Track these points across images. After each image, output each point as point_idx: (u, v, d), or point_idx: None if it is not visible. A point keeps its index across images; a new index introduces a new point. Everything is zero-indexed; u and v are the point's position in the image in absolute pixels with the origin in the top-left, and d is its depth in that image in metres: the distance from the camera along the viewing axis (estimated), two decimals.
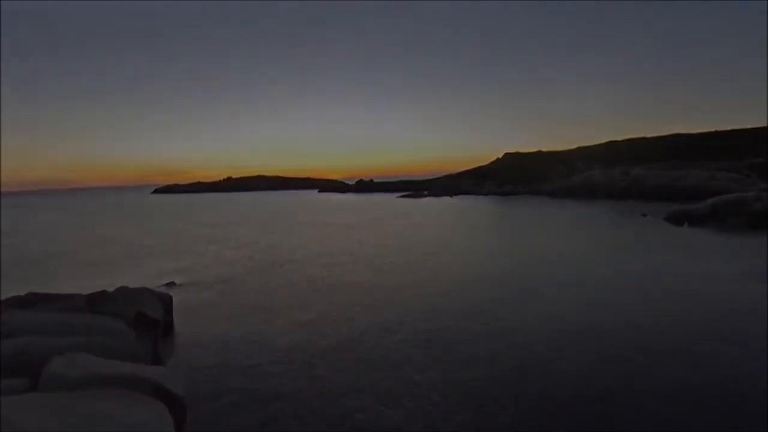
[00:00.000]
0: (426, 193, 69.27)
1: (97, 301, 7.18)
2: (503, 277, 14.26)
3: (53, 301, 7.45)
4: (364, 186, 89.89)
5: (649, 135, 77.32)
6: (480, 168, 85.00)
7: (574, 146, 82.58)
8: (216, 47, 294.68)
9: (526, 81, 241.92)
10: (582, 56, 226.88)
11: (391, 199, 62.92)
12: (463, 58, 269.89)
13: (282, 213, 45.91)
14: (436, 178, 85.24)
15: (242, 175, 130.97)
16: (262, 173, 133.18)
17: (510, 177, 69.94)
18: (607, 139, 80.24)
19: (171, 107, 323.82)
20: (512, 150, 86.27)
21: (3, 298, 8.36)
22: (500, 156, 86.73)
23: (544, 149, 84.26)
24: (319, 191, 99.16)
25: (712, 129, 73.07)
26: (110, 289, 12.47)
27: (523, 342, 8.78)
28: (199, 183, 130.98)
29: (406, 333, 9.40)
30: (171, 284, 14.46)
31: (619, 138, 79.54)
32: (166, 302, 10.52)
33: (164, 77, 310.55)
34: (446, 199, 60.35)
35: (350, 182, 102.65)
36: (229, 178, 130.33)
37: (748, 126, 67.82)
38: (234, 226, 33.88)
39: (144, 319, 7.02)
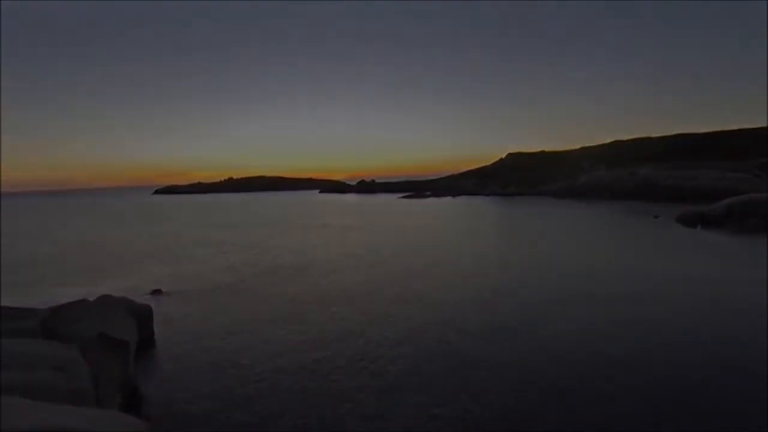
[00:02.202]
0: (428, 193, 68.33)
1: (53, 321, 6.24)
2: (522, 289, 13.06)
3: (6, 318, 6.50)
4: (366, 186, 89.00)
5: (654, 135, 76.24)
6: (483, 168, 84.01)
7: (577, 146, 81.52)
8: (217, 47, 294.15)
9: (530, 80, 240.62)
10: (585, 55, 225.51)
11: (392, 199, 61.95)
12: (465, 57, 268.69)
13: (281, 214, 44.98)
14: (439, 179, 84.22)
15: (243, 176, 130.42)
16: (263, 173, 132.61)
17: (513, 177, 68.89)
18: (612, 139, 79.10)
19: (172, 108, 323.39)
20: (515, 150, 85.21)
21: None
22: (503, 156, 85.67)
23: (547, 149, 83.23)
24: (320, 191, 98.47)
25: (718, 129, 71.97)
26: (92, 298, 11.74)
27: (550, 370, 7.78)
28: (200, 183, 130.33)
29: (415, 355, 8.29)
30: (158, 292, 13.51)
31: (624, 138, 78.34)
32: (145, 315, 9.59)
33: (166, 78, 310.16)
34: (449, 199, 59.38)
35: (352, 182, 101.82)
36: (231, 179, 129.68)
37: (755, 125, 66.60)
38: (231, 227, 32.97)
39: (108, 341, 6.08)
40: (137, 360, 8.42)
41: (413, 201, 58.64)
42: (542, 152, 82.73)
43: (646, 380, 7.03)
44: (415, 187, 76.15)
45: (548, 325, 9.73)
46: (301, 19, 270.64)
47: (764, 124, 64.76)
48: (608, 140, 79.06)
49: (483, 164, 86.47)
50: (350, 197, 75.16)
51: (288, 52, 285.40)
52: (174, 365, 8.33)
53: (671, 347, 8.30)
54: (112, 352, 6.21)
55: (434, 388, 6.97)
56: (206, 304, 12.30)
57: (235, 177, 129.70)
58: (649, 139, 75.05)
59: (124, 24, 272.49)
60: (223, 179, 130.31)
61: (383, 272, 15.56)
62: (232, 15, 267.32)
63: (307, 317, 10.75)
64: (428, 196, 65.44)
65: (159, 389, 7.44)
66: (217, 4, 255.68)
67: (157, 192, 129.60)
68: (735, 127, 70.07)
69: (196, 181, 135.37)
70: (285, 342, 9.13)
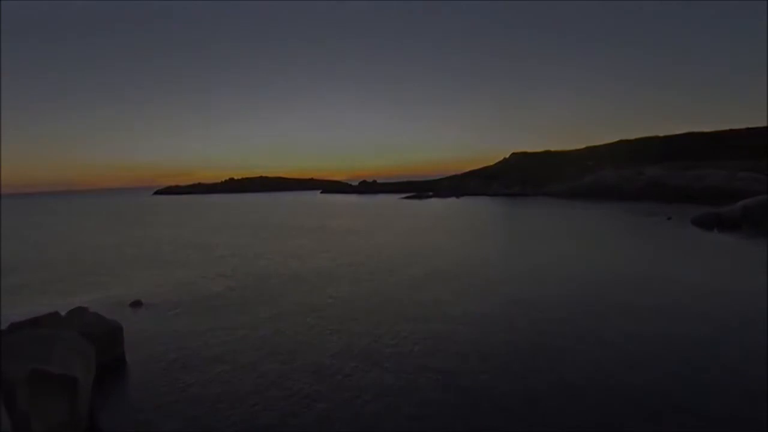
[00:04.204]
0: (430, 194, 67.21)
1: None
2: (541, 301, 11.84)
3: None
4: (368, 187, 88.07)
5: (660, 134, 74.91)
6: (486, 168, 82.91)
7: (582, 146, 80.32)
8: (218, 48, 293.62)
9: (534, 79, 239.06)
10: (590, 54, 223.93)
11: (394, 200, 60.84)
12: (468, 56, 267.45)
13: (281, 215, 43.89)
14: (441, 179, 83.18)
15: (244, 176, 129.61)
16: (264, 174, 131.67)
17: (518, 178, 67.71)
18: (617, 139, 77.84)
19: (173, 108, 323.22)
20: (519, 150, 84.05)
21: None
22: (507, 156, 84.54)
23: (552, 149, 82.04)
24: (321, 192, 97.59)
25: (726, 128, 70.57)
26: (63, 312, 10.69)
27: (570, 402, 6.67)
28: (200, 184, 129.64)
29: (422, 390, 7.05)
30: (137, 304, 12.42)
31: (630, 137, 77.00)
32: (113, 334, 8.51)
33: (167, 78, 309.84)
34: (452, 200, 58.23)
35: (353, 183, 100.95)
36: (231, 179, 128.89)
37: (764, 124, 65.11)
38: (228, 230, 31.91)
39: (47, 379, 5.01)
40: (101, 386, 7.37)
41: (415, 202, 57.52)
42: (547, 152, 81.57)
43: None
44: (418, 188, 75.15)
45: (572, 346, 8.60)
46: (303, 20, 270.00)
47: None
48: (614, 140, 77.90)
49: (486, 164, 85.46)
50: (352, 198, 74.05)
51: (289, 52, 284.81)
52: (142, 395, 7.24)
53: (719, 374, 7.17)
54: (52, 390, 5.14)
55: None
56: (188, 319, 11.16)
57: (235, 177, 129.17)
58: (656, 138, 73.75)
59: (124, 24, 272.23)
60: (223, 180, 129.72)
61: (386, 282, 14.44)
62: (233, 15, 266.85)
63: (301, 338, 9.60)
64: (430, 197, 64.35)
65: (122, 424, 6.39)
66: (217, 4, 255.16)
67: (157, 193, 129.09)
68: (743, 126, 68.50)
69: (197, 181, 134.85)
70: (274, 369, 7.98)
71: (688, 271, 14.38)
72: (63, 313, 10.31)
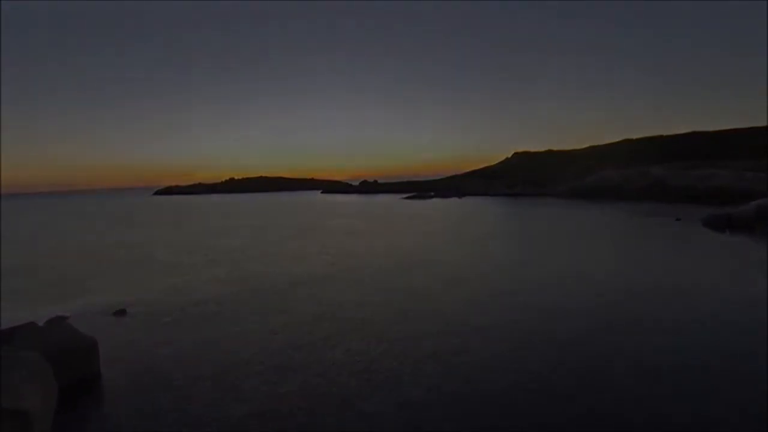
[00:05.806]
0: (432, 194, 66.53)
1: None
2: (561, 317, 10.91)
3: None
4: (368, 187, 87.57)
5: (665, 133, 74.15)
6: (488, 168, 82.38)
7: (585, 145, 79.66)
8: (218, 47, 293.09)
9: (536, 78, 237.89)
10: (593, 53, 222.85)
11: (395, 200, 60.14)
12: (470, 56, 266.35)
13: (280, 216, 43.16)
14: (443, 179, 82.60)
15: (244, 176, 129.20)
16: (264, 174, 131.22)
17: (520, 177, 67.06)
18: (621, 138, 77.14)
19: (174, 108, 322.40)
20: (521, 149, 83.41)
21: None
22: (509, 156, 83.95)
23: (554, 148, 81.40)
24: (322, 192, 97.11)
25: (732, 127, 69.77)
26: (41, 322, 9.98)
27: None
28: (200, 184, 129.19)
29: (435, 422, 6.22)
30: (121, 313, 11.65)
31: (634, 137, 76.25)
32: (86, 351, 7.76)
33: (167, 78, 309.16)
34: (454, 200, 57.51)
35: (354, 183, 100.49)
36: (231, 179, 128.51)
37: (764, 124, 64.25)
38: (226, 231, 31.19)
39: None
40: (70, 408, 6.65)
41: (417, 202, 56.79)
42: (549, 151, 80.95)
43: None
44: (419, 188, 74.53)
45: (594, 365, 7.82)
46: (302, 19, 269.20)
47: None
48: (617, 139, 77.21)
49: (488, 164, 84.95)
50: (352, 198, 73.35)
51: (289, 52, 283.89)
52: (114, 420, 6.44)
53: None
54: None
55: None
56: (174, 329, 10.36)
57: (236, 177, 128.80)
58: (661, 137, 73.04)
59: (125, 23, 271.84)
60: (223, 180, 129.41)
61: (388, 288, 13.60)
62: (233, 15, 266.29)
63: (294, 354, 8.75)
64: (432, 197, 63.66)
65: None
66: (217, 4, 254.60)
67: (157, 193, 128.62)
68: (749, 125, 67.70)
69: (197, 181, 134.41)
70: (264, 391, 7.16)
71: (715, 277, 13.57)
72: (42, 323, 9.67)
